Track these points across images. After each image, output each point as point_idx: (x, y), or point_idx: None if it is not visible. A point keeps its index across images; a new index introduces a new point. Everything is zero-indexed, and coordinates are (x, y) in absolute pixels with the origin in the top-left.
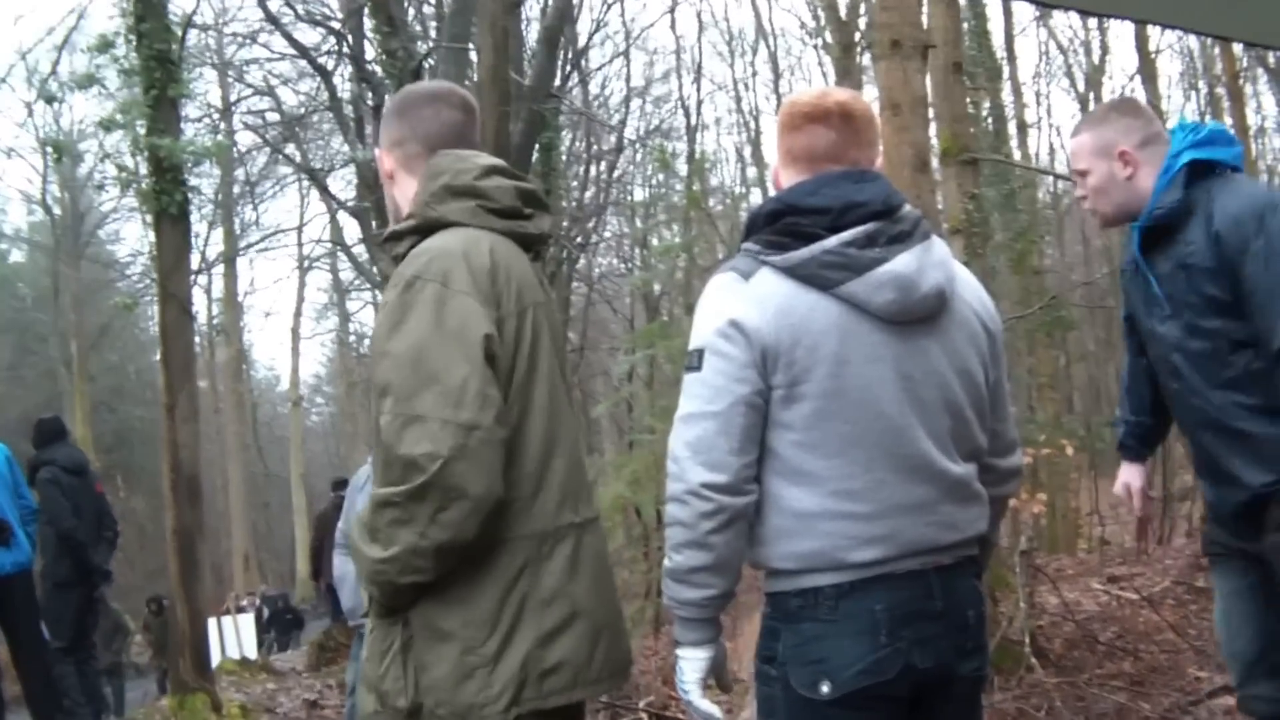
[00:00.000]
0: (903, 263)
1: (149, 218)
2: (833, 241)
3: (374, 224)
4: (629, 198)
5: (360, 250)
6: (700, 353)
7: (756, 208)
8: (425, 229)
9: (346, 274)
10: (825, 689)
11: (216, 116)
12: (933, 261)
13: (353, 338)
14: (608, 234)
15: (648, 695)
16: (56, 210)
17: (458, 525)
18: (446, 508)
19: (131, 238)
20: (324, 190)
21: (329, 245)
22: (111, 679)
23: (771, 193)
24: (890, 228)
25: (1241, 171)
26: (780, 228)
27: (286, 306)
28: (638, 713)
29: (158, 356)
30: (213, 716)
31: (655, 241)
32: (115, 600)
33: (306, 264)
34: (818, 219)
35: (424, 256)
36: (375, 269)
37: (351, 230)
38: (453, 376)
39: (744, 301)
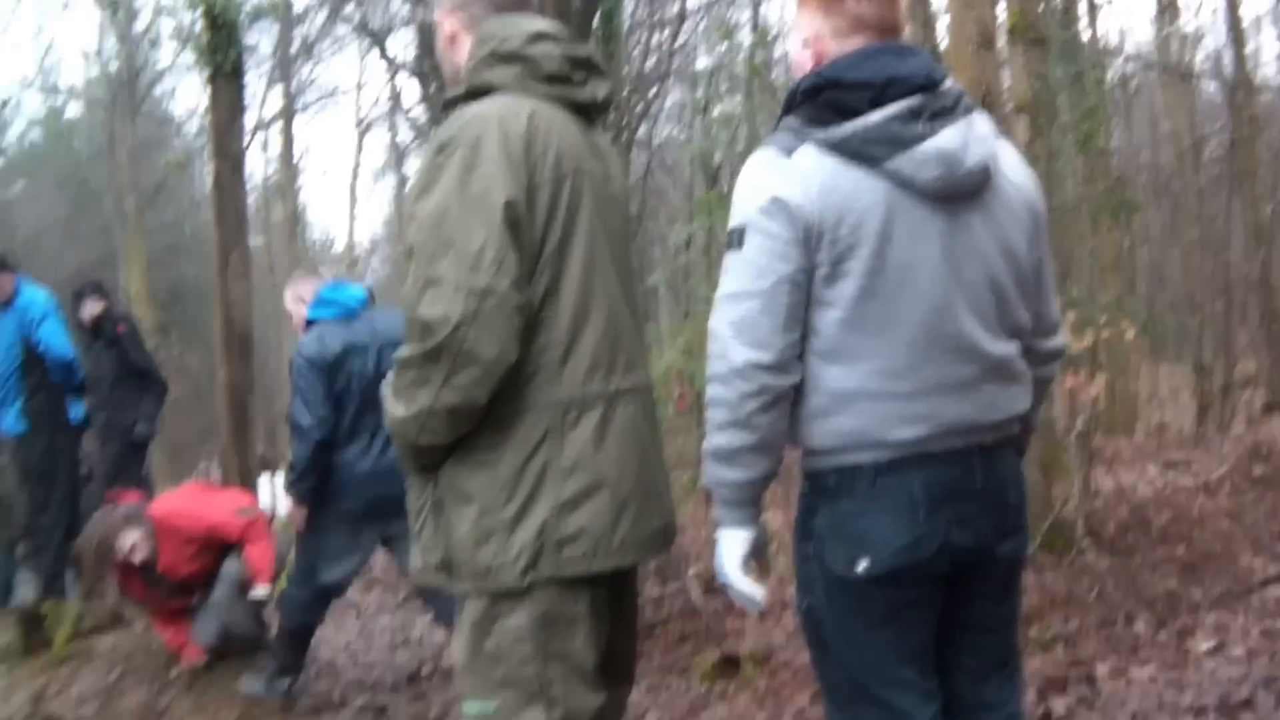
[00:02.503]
0: (947, 138)
1: (204, 75)
2: (877, 116)
3: (433, 86)
4: (691, 67)
5: (418, 112)
6: (742, 231)
7: (795, 83)
8: (474, 94)
9: (404, 136)
10: (862, 566)
11: None
12: (977, 137)
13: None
14: (669, 102)
15: (697, 563)
16: (113, 66)
17: (468, 389)
18: (458, 371)
19: (187, 95)
20: (383, 51)
21: (387, 106)
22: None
23: (796, 68)
24: (933, 102)
25: None
26: (822, 102)
27: (344, 167)
28: (686, 580)
29: (210, 214)
30: None
31: (716, 111)
32: (171, 458)
33: (364, 125)
34: (860, 93)
35: (459, 121)
36: (433, 131)
37: (410, 92)
38: (471, 242)
39: (786, 178)
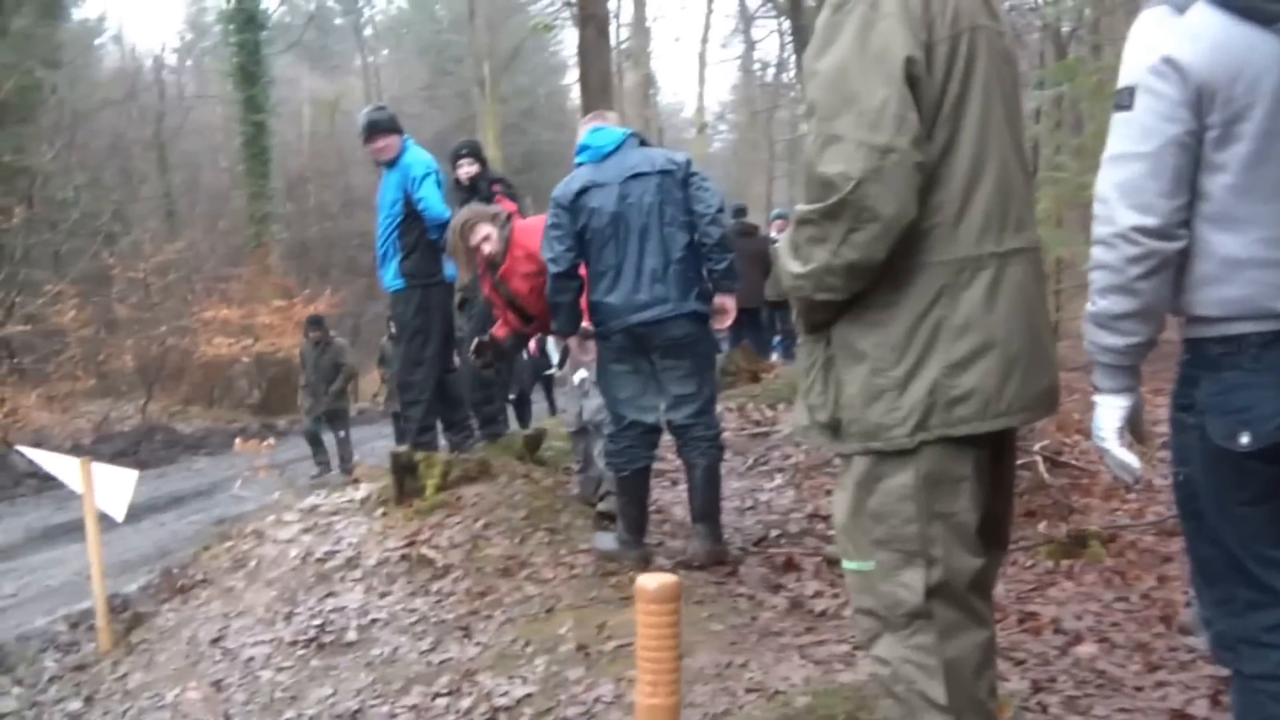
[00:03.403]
0: None
1: None
2: None
3: None
4: None
5: None
6: (1131, 90)
7: None
8: None
9: (753, 1)
10: (1245, 439)
11: None
12: None
13: (757, 65)
14: None
15: (1043, 439)
16: None
17: (867, 246)
18: (858, 228)
19: None
20: None
21: None
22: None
23: None
24: None
25: None
26: None
27: (693, 33)
28: (1033, 455)
29: (565, 80)
30: None
31: None
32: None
33: None
34: None
35: None
36: None
37: None
38: (872, 98)
39: (1178, 36)
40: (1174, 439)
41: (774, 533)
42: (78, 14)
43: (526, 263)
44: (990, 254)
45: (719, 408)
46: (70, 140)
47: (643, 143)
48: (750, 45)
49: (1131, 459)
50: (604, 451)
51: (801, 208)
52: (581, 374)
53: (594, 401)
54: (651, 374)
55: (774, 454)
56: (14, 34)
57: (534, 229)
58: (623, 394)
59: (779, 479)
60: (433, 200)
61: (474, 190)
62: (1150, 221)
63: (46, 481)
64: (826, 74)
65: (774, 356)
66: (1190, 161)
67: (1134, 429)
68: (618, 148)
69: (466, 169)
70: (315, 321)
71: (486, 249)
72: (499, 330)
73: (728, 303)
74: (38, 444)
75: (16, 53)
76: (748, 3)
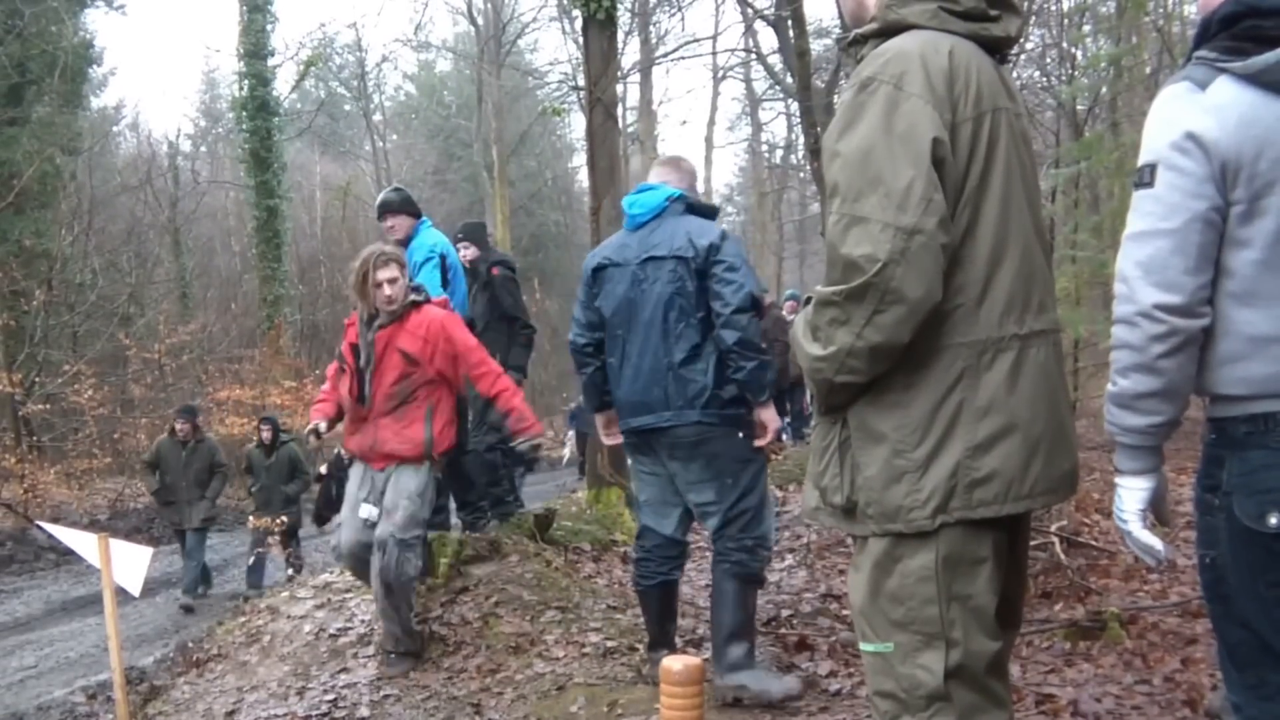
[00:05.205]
0: None
1: (568, 26)
2: None
3: (791, 34)
4: (1057, 5)
5: (775, 60)
6: (1153, 167)
7: (1209, 12)
8: (887, 32)
9: (760, 84)
10: (1273, 520)
11: None
12: None
13: (764, 148)
14: (1030, 45)
15: (1059, 520)
16: (480, 20)
17: (892, 328)
18: (883, 310)
19: (550, 47)
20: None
21: (744, 55)
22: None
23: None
24: None
25: None
26: (1239, 32)
27: (700, 116)
28: (1049, 536)
29: (572, 163)
30: (626, 511)
31: (1079, 55)
32: (529, 400)
33: (721, 74)
34: None
35: (881, 58)
36: (789, 79)
37: (767, 39)
38: (898, 180)
39: (1201, 112)
40: (1199, 520)
41: (786, 613)
42: (96, 102)
43: (426, 344)
44: (1012, 335)
45: None
46: (88, 225)
47: (690, 208)
48: (758, 127)
49: (1155, 542)
50: (635, 563)
51: (823, 289)
52: (369, 511)
53: (400, 515)
54: (670, 477)
55: (784, 534)
56: (35, 122)
57: (458, 322)
58: (643, 496)
59: (790, 559)
60: (429, 286)
61: (474, 274)
62: (1174, 299)
63: (65, 556)
64: (850, 155)
65: (784, 438)
66: (1215, 238)
67: (1157, 511)
68: (653, 217)
69: (464, 253)
70: (187, 412)
71: (388, 290)
72: (320, 410)
73: (763, 415)
74: (56, 519)
75: (38, 140)
76: (755, 85)
